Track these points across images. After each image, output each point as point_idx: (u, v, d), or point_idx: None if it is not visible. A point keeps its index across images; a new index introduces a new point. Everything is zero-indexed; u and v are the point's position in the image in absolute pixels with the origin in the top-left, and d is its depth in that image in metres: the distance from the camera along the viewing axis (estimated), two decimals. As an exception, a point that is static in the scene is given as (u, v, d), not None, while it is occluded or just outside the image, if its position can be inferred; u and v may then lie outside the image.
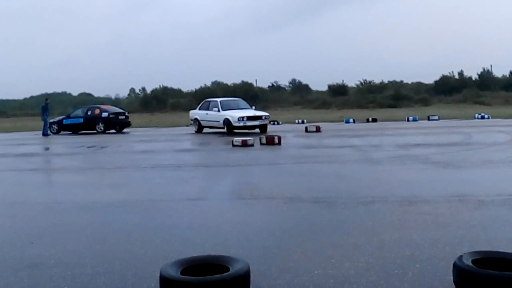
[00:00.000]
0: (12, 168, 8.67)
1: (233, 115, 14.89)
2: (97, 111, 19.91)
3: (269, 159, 8.89)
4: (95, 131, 19.25)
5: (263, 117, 15.37)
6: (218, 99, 16.76)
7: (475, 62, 73.20)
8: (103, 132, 19.21)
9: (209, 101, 16.72)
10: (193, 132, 16.61)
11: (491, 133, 12.98)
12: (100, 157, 10.60)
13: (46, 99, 20.22)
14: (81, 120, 19.64)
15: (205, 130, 16.55)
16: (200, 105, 17.24)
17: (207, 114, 16.07)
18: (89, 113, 19.89)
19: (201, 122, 16.41)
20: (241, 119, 14.70)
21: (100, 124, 19.37)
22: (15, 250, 3.29)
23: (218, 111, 15.48)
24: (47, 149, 13.25)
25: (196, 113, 16.86)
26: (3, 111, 43.77)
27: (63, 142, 15.04)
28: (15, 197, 5.52)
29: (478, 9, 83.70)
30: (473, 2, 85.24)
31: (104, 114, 19.67)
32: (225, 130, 15.09)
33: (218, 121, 15.43)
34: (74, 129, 19.44)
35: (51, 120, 20.16)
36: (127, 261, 2.94)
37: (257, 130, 15.25)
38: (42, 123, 18.69)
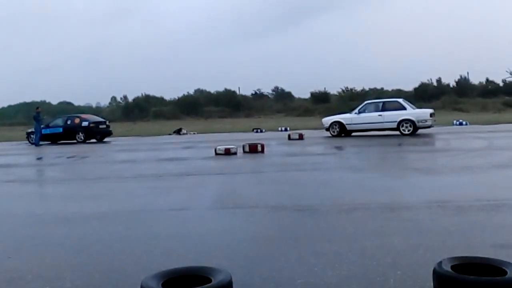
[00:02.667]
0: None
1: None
2: (77, 120, 19.60)
3: (252, 167, 8.88)
4: (75, 141, 18.92)
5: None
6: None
7: (452, 70, 75.18)
8: (84, 141, 18.90)
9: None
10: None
11: (469, 139, 13.30)
12: (81, 167, 10.41)
13: (37, 108, 19.81)
14: (61, 129, 19.28)
15: None
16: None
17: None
18: (68, 122, 19.55)
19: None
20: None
21: (80, 134, 19.07)
22: (-10, 265, 3.19)
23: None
24: (26, 159, 12.94)
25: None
26: (-21, 121, 42.68)
27: (42, 152, 14.73)
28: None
29: (455, 17, 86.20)
30: (450, 10, 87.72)
31: (85, 124, 19.38)
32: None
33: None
34: (54, 139, 19.06)
35: (29, 130, 19.77)
36: (107, 274, 2.88)
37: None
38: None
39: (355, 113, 16.39)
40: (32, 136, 19.17)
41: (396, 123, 15.61)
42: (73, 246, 3.58)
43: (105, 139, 19.94)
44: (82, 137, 18.95)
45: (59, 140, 19.10)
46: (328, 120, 16.91)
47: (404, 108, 15.87)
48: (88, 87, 76.74)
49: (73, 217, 4.67)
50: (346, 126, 16.33)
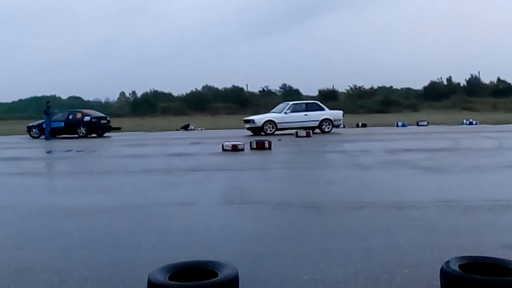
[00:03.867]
0: (-1, 172, 8.54)
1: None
2: (79, 115, 19.79)
3: (259, 164, 8.89)
4: (76, 135, 19.08)
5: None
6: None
7: (463, 69, 74.26)
8: (85, 136, 19.06)
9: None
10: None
11: (479, 139, 13.17)
12: (91, 161, 10.50)
13: (48, 102, 20.03)
14: (62, 124, 19.43)
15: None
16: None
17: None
18: (70, 117, 19.72)
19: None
20: None
21: (82, 128, 19.25)
22: (2, 255, 3.24)
23: None
24: (36, 153, 13.08)
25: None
26: (-10, 115, 43.14)
27: (50, 146, 14.88)
28: (2, 202, 5.44)
29: (466, 16, 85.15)
30: (461, 8, 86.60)
31: (87, 118, 19.56)
32: None
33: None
34: (54, 133, 19.18)
35: (31, 124, 19.93)
36: (114, 267, 2.91)
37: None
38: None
39: (284, 112, 17.39)
40: (33, 129, 19.42)
41: (318, 122, 17.27)
42: (82, 238, 3.62)
43: (106, 134, 20.07)
44: (84, 132, 19.13)
45: (60, 134, 19.22)
46: (260, 119, 17.52)
47: (323, 109, 17.77)
48: (98, 82, 77.27)
49: (81, 210, 4.71)
50: (278, 124, 17.11)
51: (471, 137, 13.77)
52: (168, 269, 2.33)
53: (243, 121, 18.36)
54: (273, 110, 18.52)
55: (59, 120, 19.60)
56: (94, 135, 19.50)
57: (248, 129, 17.56)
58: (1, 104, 50.03)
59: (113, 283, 2.65)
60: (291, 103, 18.22)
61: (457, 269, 2.22)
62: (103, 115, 21.08)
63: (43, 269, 2.92)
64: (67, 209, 4.78)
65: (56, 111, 20.69)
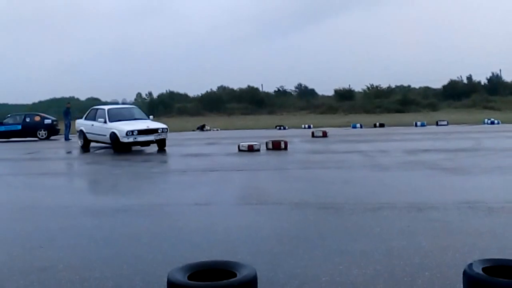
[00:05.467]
0: (22, 172, 8.75)
1: (121, 128, 11.63)
2: (37, 118, 20.08)
3: (276, 164, 8.87)
4: (36, 138, 19.33)
5: (159, 131, 11.95)
6: (106, 107, 13.22)
7: (484, 67, 72.49)
8: (47, 138, 19.33)
9: (96, 109, 13.41)
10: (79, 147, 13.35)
11: (501, 138, 12.85)
12: (103, 161, 10.67)
13: (68, 103, 20.47)
14: (19, 127, 19.64)
15: (94, 144, 13.23)
16: (86, 113, 13.85)
17: (92, 125, 12.75)
18: (27, 120, 19.95)
19: (87, 135, 13.02)
20: (130, 133, 11.46)
21: (43, 131, 19.54)
22: (25, 254, 3.31)
23: (105, 122, 12.19)
24: (59, 153, 13.36)
25: (81, 124, 13.44)
26: (12, 116, 44.22)
27: (69, 147, 15.17)
28: (25, 202, 5.57)
29: (487, 12, 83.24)
30: (481, 5, 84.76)
31: (47, 121, 19.85)
32: (112, 146, 12.03)
33: (105, 135, 12.13)
34: (9, 136, 19.33)
35: None
36: (135, 266, 2.95)
37: (153, 146, 12.24)
38: (63, 128, 18.87)
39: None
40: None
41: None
42: (102, 238, 3.68)
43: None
44: (45, 134, 19.39)
45: (17, 137, 19.28)
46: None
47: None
48: (115, 84, 78.27)
49: (101, 210, 4.79)
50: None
51: (493, 137, 13.46)
52: (187, 268, 2.35)
53: None
54: None
55: (16, 123, 19.80)
56: (55, 137, 19.65)
57: None
58: (22, 105, 51.32)
59: (134, 281, 2.68)
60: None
61: (481, 272, 2.17)
62: (55, 118, 21.26)
63: (65, 267, 2.98)
64: (87, 209, 4.87)
65: (9, 115, 20.90)
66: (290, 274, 2.71)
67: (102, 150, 12.54)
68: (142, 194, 5.86)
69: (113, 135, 11.72)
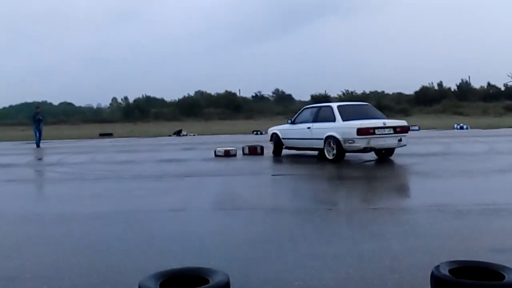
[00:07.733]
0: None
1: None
2: None
3: (252, 169, 8.88)
4: None
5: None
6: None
7: (454, 73, 75.18)
8: None
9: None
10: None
11: (470, 143, 13.30)
12: (80, 168, 10.41)
13: (37, 108, 19.51)
14: None
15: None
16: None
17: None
18: None
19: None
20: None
21: None
22: (-11, 264, 3.19)
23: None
24: (26, 159, 12.95)
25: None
26: (-20, 121, 42.64)
27: (40, 153, 14.74)
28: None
29: (457, 21, 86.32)
30: (452, 13, 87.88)
31: None
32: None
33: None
34: None
35: None
36: (105, 274, 2.88)
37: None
38: (33, 133, 18.05)
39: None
40: None
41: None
42: (72, 246, 3.58)
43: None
44: None
45: None
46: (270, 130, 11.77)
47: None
48: (89, 88, 76.89)
49: (71, 217, 4.67)
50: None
51: (462, 142, 13.90)
52: (159, 276, 2.31)
53: None
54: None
55: None
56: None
57: None
58: (-8, 109, 49.59)
59: (104, 291, 2.62)
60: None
61: (448, 273, 2.23)
62: None
63: (33, 277, 2.88)
64: (57, 216, 4.73)
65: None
66: (263, 279, 2.72)
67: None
68: (115, 200, 5.75)
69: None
